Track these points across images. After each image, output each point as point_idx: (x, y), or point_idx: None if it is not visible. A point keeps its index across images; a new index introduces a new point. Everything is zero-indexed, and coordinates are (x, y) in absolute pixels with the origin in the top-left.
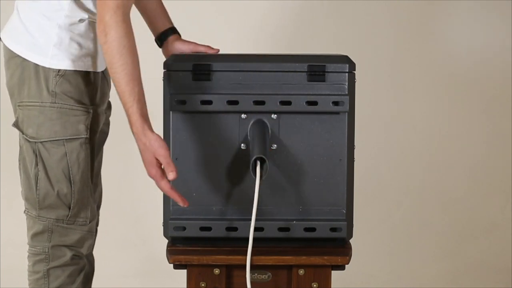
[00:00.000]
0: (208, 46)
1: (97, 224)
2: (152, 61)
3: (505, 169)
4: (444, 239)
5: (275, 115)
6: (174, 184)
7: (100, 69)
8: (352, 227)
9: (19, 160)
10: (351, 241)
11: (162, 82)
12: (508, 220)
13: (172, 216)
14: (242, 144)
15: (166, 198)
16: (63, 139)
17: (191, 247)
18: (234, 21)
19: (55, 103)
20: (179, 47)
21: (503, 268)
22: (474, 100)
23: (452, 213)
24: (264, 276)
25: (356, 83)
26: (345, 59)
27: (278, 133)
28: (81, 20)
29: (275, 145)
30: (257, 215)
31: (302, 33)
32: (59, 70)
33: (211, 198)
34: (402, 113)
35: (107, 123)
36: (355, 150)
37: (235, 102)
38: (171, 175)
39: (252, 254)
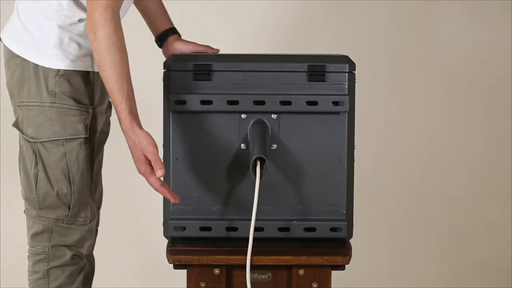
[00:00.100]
0: (208, 46)
1: (97, 224)
2: (152, 61)
3: (505, 169)
4: (444, 239)
5: (275, 115)
6: (174, 184)
7: None
8: (352, 227)
9: (19, 160)
10: (351, 241)
11: (162, 82)
12: (508, 220)
13: (172, 216)
14: (242, 144)
15: (166, 198)
16: (62, 139)
17: (191, 247)
18: (234, 21)
19: (55, 103)
20: (179, 47)
21: (503, 268)
22: (474, 100)
23: (452, 213)
24: (264, 276)
25: (356, 83)
26: (345, 59)
27: (278, 133)
28: (80, 20)
29: (275, 145)
30: (257, 215)
31: (302, 33)
32: (58, 70)
33: (211, 198)
34: (402, 113)
35: (108, 123)
36: (355, 150)
37: (235, 102)
38: (159, 172)
39: (252, 254)
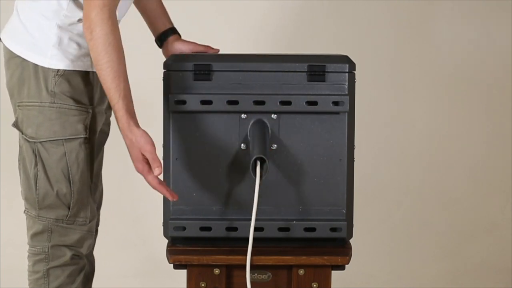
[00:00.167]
0: (208, 46)
1: (97, 224)
2: (152, 61)
3: (505, 169)
4: (444, 239)
5: (275, 115)
6: (174, 184)
7: None
8: (352, 227)
9: (18, 160)
10: (351, 241)
11: (162, 82)
12: (508, 220)
13: (172, 216)
14: (242, 144)
15: (166, 198)
16: (62, 139)
17: (191, 247)
18: (234, 21)
19: (54, 103)
20: (179, 47)
21: (503, 268)
22: (474, 100)
23: (452, 213)
24: (264, 276)
25: (356, 83)
26: (345, 59)
27: (278, 133)
28: (80, 20)
29: (275, 145)
30: (257, 215)
31: (302, 33)
32: (58, 70)
33: (211, 198)
34: (402, 113)
35: (108, 123)
36: (355, 150)
37: (235, 102)
38: (157, 171)
39: (252, 254)
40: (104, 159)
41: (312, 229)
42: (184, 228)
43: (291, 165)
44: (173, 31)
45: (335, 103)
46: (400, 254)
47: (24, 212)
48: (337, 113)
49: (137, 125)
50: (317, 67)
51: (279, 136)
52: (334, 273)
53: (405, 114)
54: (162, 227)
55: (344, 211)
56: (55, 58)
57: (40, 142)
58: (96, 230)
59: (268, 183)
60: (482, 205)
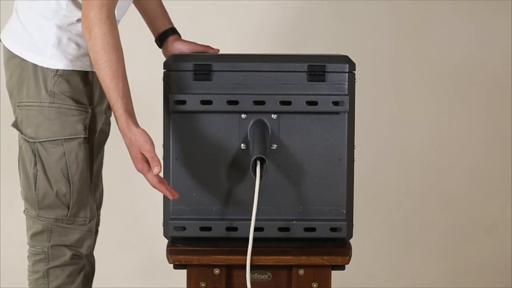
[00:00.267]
0: (208, 46)
1: (97, 224)
2: (152, 61)
3: (505, 169)
4: (444, 239)
5: (275, 115)
6: (174, 184)
7: None
8: (352, 227)
9: (18, 160)
10: (351, 241)
11: (162, 82)
12: (508, 220)
13: (172, 216)
14: (242, 144)
15: (166, 198)
16: (61, 139)
17: (191, 247)
18: (234, 21)
19: (54, 103)
20: (179, 47)
21: (503, 268)
22: (474, 100)
23: (452, 213)
24: (264, 276)
25: (356, 83)
26: (345, 59)
27: (278, 133)
28: (79, 20)
29: (275, 145)
30: (257, 215)
31: (302, 33)
32: (57, 70)
33: (211, 198)
34: (402, 113)
35: (108, 123)
36: (355, 150)
37: (235, 102)
38: (156, 170)
39: (252, 254)
40: (104, 159)
41: (312, 229)
42: (184, 228)
43: (291, 165)
44: (173, 31)
45: (335, 103)
46: (400, 254)
47: (24, 212)
48: (337, 113)
49: (136, 124)
50: (317, 67)
51: (279, 136)
52: (334, 273)
53: (405, 114)
54: (162, 227)
55: (344, 211)
56: (54, 58)
57: (40, 142)
58: (96, 230)
59: (268, 183)
60: (482, 205)
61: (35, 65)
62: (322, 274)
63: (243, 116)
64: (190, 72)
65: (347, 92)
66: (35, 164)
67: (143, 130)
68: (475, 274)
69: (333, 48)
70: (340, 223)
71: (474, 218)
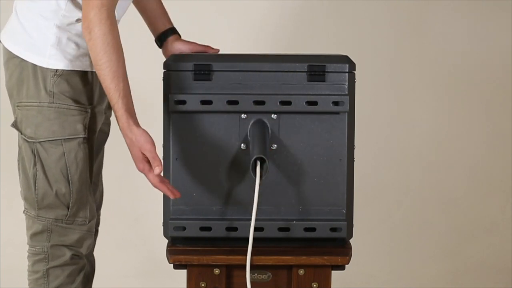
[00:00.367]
0: (208, 46)
1: (97, 224)
2: (152, 61)
3: (505, 169)
4: (444, 239)
5: (275, 115)
6: (174, 184)
7: None
8: (352, 227)
9: (18, 160)
10: (351, 241)
11: (162, 82)
12: (508, 220)
13: (172, 216)
14: (242, 144)
15: (166, 198)
16: (61, 139)
17: (191, 247)
18: (234, 21)
19: (53, 103)
20: (179, 47)
21: (503, 268)
22: (474, 100)
23: (452, 213)
24: (264, 276)
25: (356, 83)
26: (345, 59)
27: (278, 133)
28: (78, 20)
29: (275, 145)
30: (257, 215)
31: (302, 33)
32: (56, 70)
33: (211, 198)
34: (402, 113)
35: (107, 123)
36: (355, 150)
37: (235, 102)
38: (157, 170)
39: (252, 254)
40: (104, 159)
41: (312, 229)
42: (184, 228)
43: (291, 165)
44: (173, 31)
45: (335, 103)
46: (400, 254)
47: (24, 212)
48: (337, 113)
49: (137, 124)
50: (317, 67)
51: (279, 136)
52: (334, 273)
53: (405, 114)
54: (162, 227)
55: (344, 211)
56: (53, 58)
57: (39, 142)
58: (96, 230)
59: (268, 183)
60: (482, 205)
61: (34, 65)
62: (322, 274)
63: (243, 116)
64: (190, 72)
65: (347, 92)
66: (35, 164)
67: (144, 130)
68: (475, 274)
69: (333, 48)
70: (340, 223)
71: (474, 218)
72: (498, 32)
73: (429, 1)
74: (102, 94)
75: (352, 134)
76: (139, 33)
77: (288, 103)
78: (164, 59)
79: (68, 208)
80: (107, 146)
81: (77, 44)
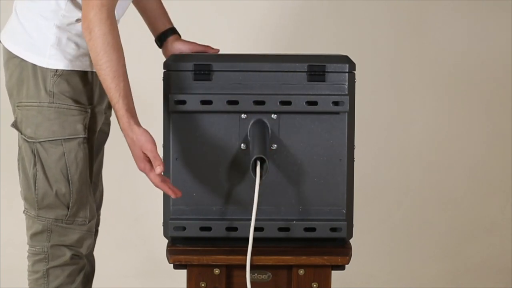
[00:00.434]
0: (208, 46)
1: (97, 224)
2: (152, 61)
3: (505, 169)
4: (444, 239)
5: (275, 115)
6: (174, 184)
7: None
8: (352, 227)
9: (18, 160)
10: (351, 241)
11: (162, 82)
12: (508, 220)
13: (172, 216)
14: (242, 144)
15: (166, 198)
16: (61, 139)
17: (191, 247)
18: (234, 21)
19: (53, 103)
20: (179, 47)
21: (503, 268)
22: (474, 100)
23: (452, 213)
24: (264, 276)
25: (356, 83)
26: (345, 59)
27: (278, 133)
28: (78, 20)
29: (275, 145)
30: (257, 215)
31: (302, 33)
32: (56, 70)
33: (211, 198)
34: (402, 113)
35: (107, 123)
36: (355, 150)
37: (235, 102)
38: (158, 169)
39: (252, 254)
40: (104, 159)
41: (312, 229)
42: (184, 228)
43: (291, 165)
44: (173, 31)
45: (335, 103)
46: (400, 254)
47: (24, 212)
48: (337, 113)
49: (137, 124)
50: (317, 67)
51: (279, 136)
52: (334, 273)
53: (405, 114)
54: (162, 227)
55: (344, 211)
56: (53, 58)
57: (39, 142)
58: (96, 230)
59: (268, 183)
60: (482, 205)
61: (34, 65)
62: (322, 274)
63: (243, 116)
64: (190, 72)
65: (347, 92)
66: (35, 164)
67: (144, 129)
68: (475, 274)
69: (333, 48)
70: (340, 223)
71: (474, 218)
72: (498, 32)
73: (429, 1)
74: (102, 94)
75: (352, 134)
76: (139, 33)
77: (288, 103)
78: (164, 59)
79: (68, 208)
80: (107, 146)
81: (77, 44)
